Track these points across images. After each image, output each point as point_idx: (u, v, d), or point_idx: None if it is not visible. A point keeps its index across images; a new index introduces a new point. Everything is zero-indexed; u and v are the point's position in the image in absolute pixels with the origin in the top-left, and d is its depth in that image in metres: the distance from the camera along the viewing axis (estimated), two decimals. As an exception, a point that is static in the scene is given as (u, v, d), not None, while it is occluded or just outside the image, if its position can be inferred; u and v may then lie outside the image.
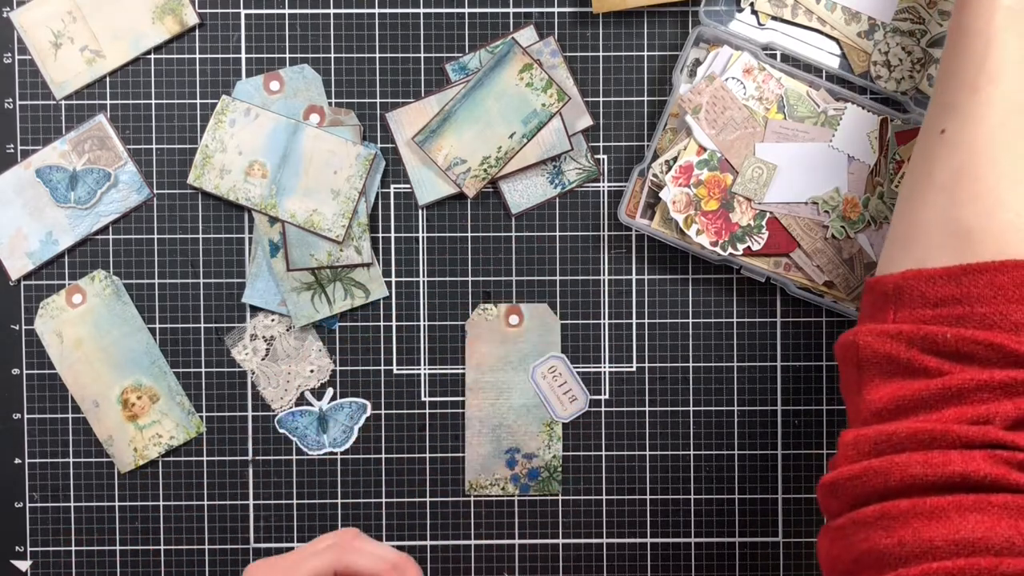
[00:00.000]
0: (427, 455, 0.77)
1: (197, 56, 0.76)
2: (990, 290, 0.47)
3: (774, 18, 0.75)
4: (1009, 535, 0.42)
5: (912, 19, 0.74)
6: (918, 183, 0.56)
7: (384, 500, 0.77)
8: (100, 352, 0.76)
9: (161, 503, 0.77)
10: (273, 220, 0.75)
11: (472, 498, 0.77)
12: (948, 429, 0.45)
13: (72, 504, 0.77)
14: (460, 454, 0.77)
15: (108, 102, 0.76)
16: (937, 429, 0.45)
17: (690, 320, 0.77)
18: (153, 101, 0.76)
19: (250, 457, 0.77)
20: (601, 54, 0.76)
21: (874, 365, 0.50)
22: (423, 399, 0.77)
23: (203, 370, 0.77)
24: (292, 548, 0.77)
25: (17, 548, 0.77)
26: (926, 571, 0.43)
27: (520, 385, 0.76)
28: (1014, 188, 0.50)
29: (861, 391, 0.51)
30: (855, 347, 0.52)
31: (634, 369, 0.77)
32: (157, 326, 0.76)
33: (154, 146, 0.76)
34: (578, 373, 0.77)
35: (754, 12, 0.75)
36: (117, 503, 0.77)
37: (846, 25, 0.74)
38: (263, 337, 0.77)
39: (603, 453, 0.77)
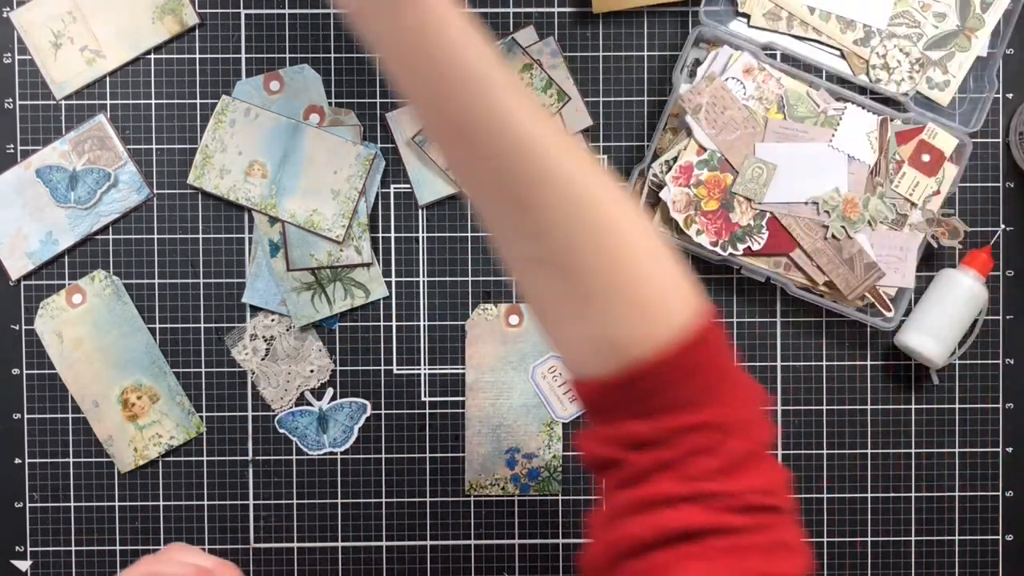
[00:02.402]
0: (427, 455, 0.77)
1: (197, 56, 0.76)
2: (653, 384, 0.47)
3: (770, 31, 0.75)
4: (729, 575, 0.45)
5: (907, 23, 0.74)
6: (542, 309, 0.52)
7: (384, 500, 0.77)
8: (100, 352, 0.76)
9: (161, 503, 0.77)
10: (273, 220, 0.75)
11: (472, 498, 0.77)
12: (657, 491, 0.47)
13: (72, 504, 0.77)
14: (460, 454, 0.77)
15: (108, 102, 0.76)
16: (647, 493, 0.47)
17: (690, 320, 0.77)
18: (153, 101, 0.76)
19: (250, 457, 0.77)
20: (601, 54, 0.76)
21: (591, 466, 0.52)
22: (423, 399, 0.77)
23: (203, 370, 0.77)
24: (292, 548, 0.77)
25: (17, 548, 0.77)
26: None
27: (520, 385, 0.76)
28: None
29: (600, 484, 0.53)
30: (580, 451, 0.54)
31: (634, 369, 0.77)
32: (157, 326, 0.76)
33: (154, 146, 0.76)
34: (578, 373, 0.77)
35: (751, 27, 0.75)
36: (117, 503, 0.77)
37: (842, 34, 0.74)
38: (263, 337, 0.77)
39: (603, 453, 0.77)
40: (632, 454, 0.48)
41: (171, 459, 0.77)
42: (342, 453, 0.77)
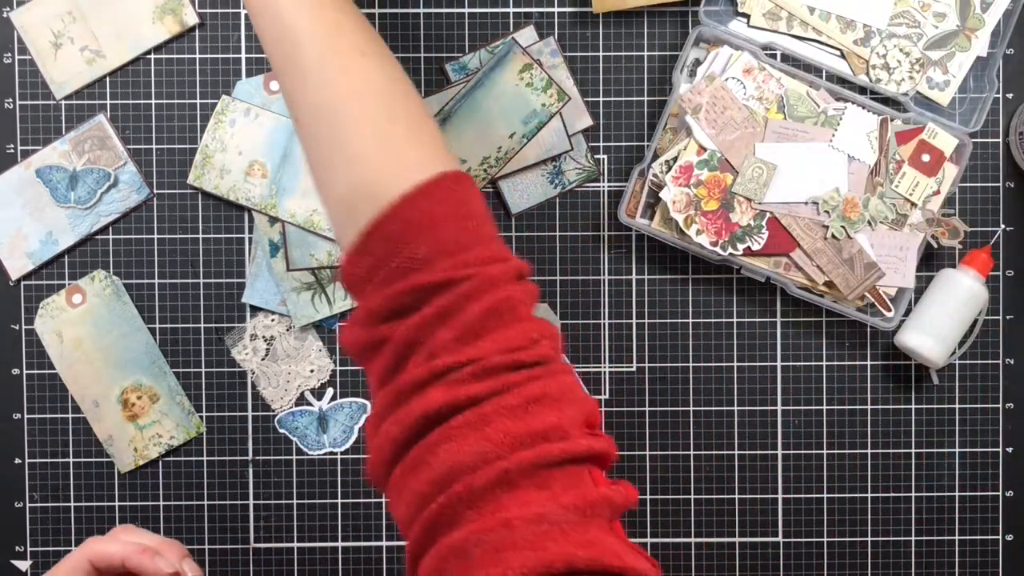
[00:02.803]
0: (427, 455, 0.77)
1: (197, 56, 0.76)
2: (385, 244, 0.47)
3: (770, 31, 0.75)
4: (476, 449, 0.43)
5: (907, 23, 0.74)
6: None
7: (384, 500, 0.77)
8: (100, 352, 0.76)
9: (161, 503, 0.77)
10: (273, 220, 0.75)
11: (472, 498, 0.77)
12: (399, 383, 0.46)
13: (72, 504, 0.77)
14: (460, 454, 0.77)
15: (108, 102, 0.76)
16: (391, 390, 0.46)
17: (690, 320, 0.77)
18: (153, 101, 0.76)
19: (250, 457, 0.77)
20: (601, 54, 0.76)
21: (358, 357, 0.51)
22: (423, 399, 0.77)
23: (203, 370, 0.77)
24: (292, 548, 0.77)
25: (17, 548, 0.77)
26: (421, 523, 0.43)
27: (520, 385, 0.76)
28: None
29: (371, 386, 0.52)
30: (345, 346, 0.52)
31: (634, 369, 0.77)
32: (157, 326, 0.76)
33: (154, 146, 0.76)
34: (578, 373, 0.77)
35: (751, 27, 0.75)
36: (117, 503, 0.77)
37: (842, 34, 0.74)
38: (263, 337, 0.77)
39: (603, 453, 0.77)
40: (383, 327, 0.47)
41: (171, 459, 0.77)
42: (342, 453, 0.77)
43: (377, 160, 0.49)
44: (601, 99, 0.76)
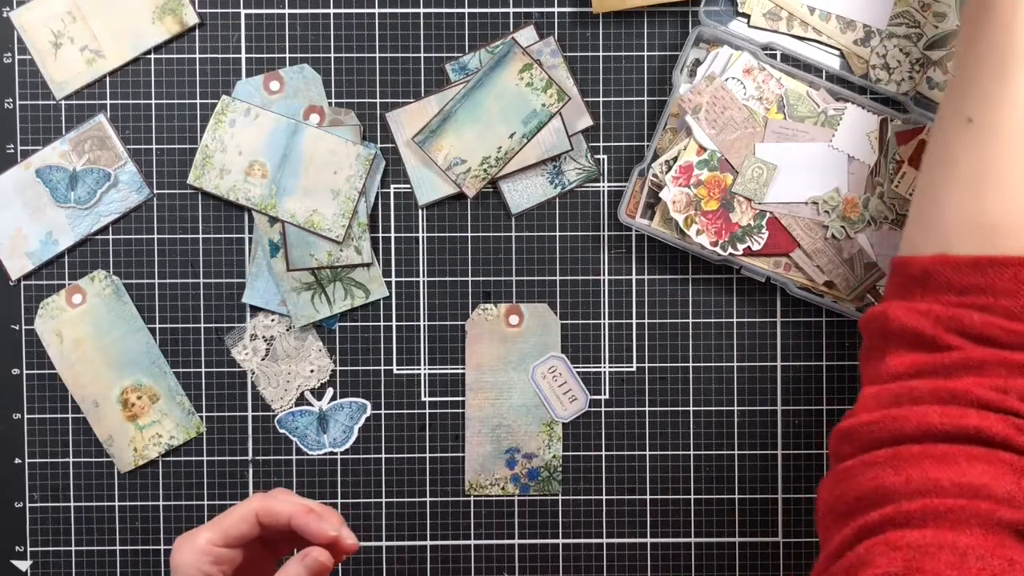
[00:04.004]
0: (427, 455, 0.77)
1: (197, 56, 0.76)
2: (1014, 284, 0.48)
3: (770, 31, 0.75)
4: (1011, 489, 0.44)
5: (907, 23, 0.74)
6: (941, 169, 0.56)
7: (384, 500, 0.77)
8: (100, 352, 0.76)
9: (161, 503, 0.77)
10: (273, 220, 0.75)
11: (472, 498, 0.77)
12: (969, 389, 0.47)
13: (72, 504, 0.77)
14: (460, 454, 0.77)
15: (108, 102, 0.76)
16: (958, 388, 0.47)
17: (690, 320, 0.77)
18: (153, 101, 0.76)
19: (250, 457, 0.77)
20: (601, 54, 0.76)
21: (900, 337, 0.51)
22: (423, 399, 0.77)
23: (203, 370, 0.77)
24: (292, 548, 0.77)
25: (17, 548, 0.77)
26: (927, 506, 0.44)
27: (520, 385, 0.76)
28: None
29: (884, 358, 0.52)
30: (884, 318, 0.53)
31: (634, 369, 0.77)
32: (157, 326, 0.76)
33: (154, 146, 0.76)
34: (578, 373, 0.77)
35: (751, 27, 0.75)
36: (117, 503, 0.77)
37: (842, 34, 0.74)
38: (263, 337, 0.77)
39: (603, 453, 0.77)
40: (955, 338, 0.48)
41: (171, 459, 0.77)
42: (342, 453, 0.77)
43: None
44: (601, 99, 0.76)
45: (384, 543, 0.77)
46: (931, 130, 0.60)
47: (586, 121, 0.76)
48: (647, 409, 0.77)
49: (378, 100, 0.76)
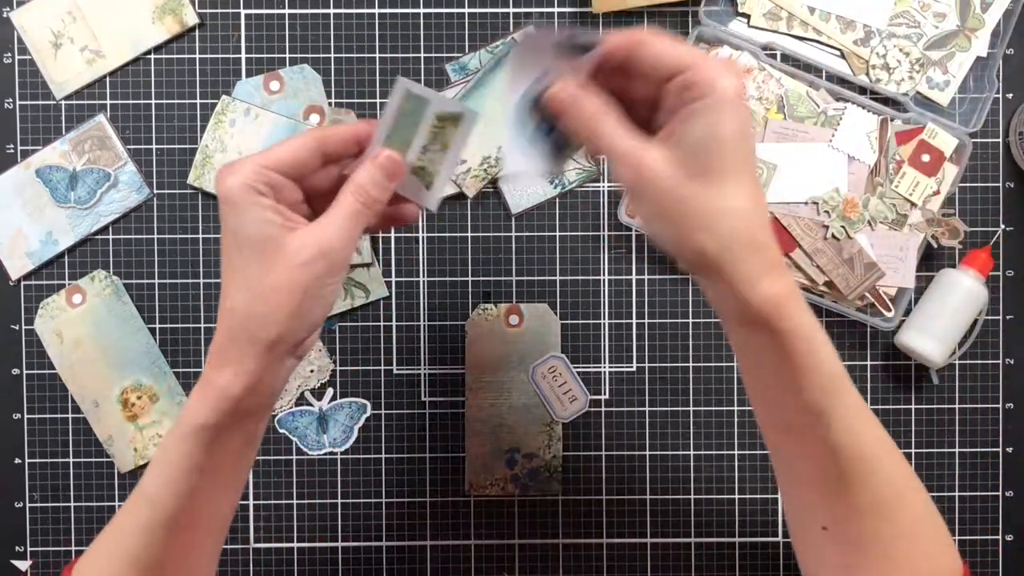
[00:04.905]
0: (427, 455, 0.77)
1: (197, 56, 0.76)
2: None
3: (770, 31, 0.75)
4: None
5: (907, 23, 0.74)
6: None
7: (384, 500, 0.77)
8: (100, 352, 0.76)
9: (161, 503, 0.77)
10: (273, 220, 0.75)
11: (472, 498, 0.77)
12: None
13: (72, 504, 0.77)
14: (460, 454, 0.77)
15: (108, 102, 0.76)
16: None
17: (690, 320, 0.77)
18: (153, 101, 0.76)
19: (250, 457, 0.77)
20: (601, 54, 0.76)
21: None
22: (423, 399, 0.77)
23: (203, 370, 0.77)
24: (292, 548, 0.77)
25: (17, 548, 0.77)
26: None
27: (520, 385, 0.77)
28: None
29: None
30: None
31: (634, 369, 0.77)
32: (157, 326, 0.76)
33: (154, 146, 0.76)
34: (578, 373, 0.77)
35: (751, 27, 0.75)
36: (117, 503, 0.77)
37: (842, 34, 0.74)
38: (263, 337, 0.77)
39: (603, 453, 0.77)
40: None
41: (171, 459, 0.77)
42: (342, 453, 0.77)
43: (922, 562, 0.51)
44: (601, 99, 0.76)
45: (384, 543, 0.77)
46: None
47: (586, 121, 0.76)
48: (647, 409, 0.77)
49: (378, 100, 0.76)
